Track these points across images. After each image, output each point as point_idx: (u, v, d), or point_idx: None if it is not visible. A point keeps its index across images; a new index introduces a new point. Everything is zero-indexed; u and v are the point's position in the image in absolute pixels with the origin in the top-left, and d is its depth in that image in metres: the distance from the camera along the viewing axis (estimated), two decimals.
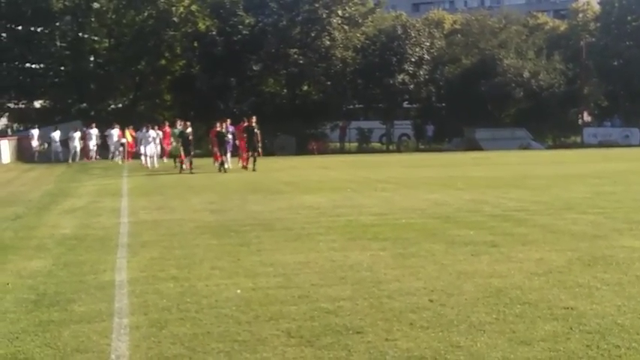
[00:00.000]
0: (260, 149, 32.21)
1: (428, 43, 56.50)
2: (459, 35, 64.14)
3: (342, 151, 54.60)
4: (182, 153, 32.01)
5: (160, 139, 39.10)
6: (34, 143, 44.32)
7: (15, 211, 17.75)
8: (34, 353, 6.70)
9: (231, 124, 33.67)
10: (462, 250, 11.39)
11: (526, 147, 53.23)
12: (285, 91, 56.98)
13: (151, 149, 36.36)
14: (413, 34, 55.64)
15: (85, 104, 51.71)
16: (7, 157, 42.11)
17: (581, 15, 73.85)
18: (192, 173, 30.16)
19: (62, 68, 52.56)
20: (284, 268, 10.17)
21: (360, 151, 54.37)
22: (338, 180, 25.89)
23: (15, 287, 9.34)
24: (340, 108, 56.50)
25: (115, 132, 42.04)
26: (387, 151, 55.28)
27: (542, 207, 16.96)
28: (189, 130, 32.52)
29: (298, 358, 6.43)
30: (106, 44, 54.17)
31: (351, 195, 20.68)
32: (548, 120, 58.13)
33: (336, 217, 15.73)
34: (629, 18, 65.35)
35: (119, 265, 10.64)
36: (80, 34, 52.35)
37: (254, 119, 32.12)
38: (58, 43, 51.95)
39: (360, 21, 55.84)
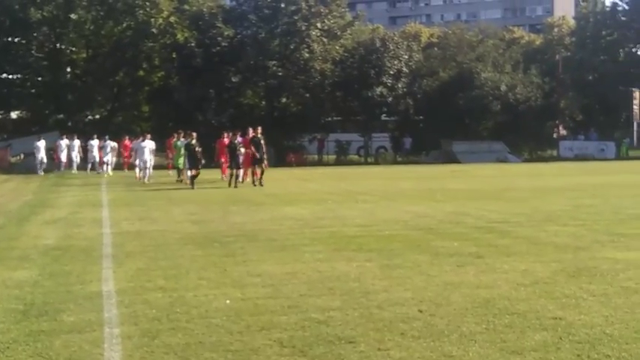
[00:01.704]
0: (266, 161, 30.12)
1: (406, 56, 56.71)
2: (436, 48, 64.48)
3: (320, 163, 54.58)
4: (184, 166, 30.41)
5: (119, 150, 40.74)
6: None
7: None
8: None
9: (241, 135, 30.86)
10: (448, 261, 11.46)
11: (503, 160, 53.51)
12: (263, 102, 56.96)
13: (145, 160, 33.03)
14: (391, 47, 55.83)
15: (62, 115, 51.47)
16: None
17: (556, 29, 74.76)
18: (192, 188, 27.56)
19: (39, 79, 52.31)
20: (271, 279, 10.19)
21: (338, 163, 54.38)
22: (318, 192, 25.97)
23: (1, 297, 9.28)
24: (318, 120, 56.51)
25: (95, 143, 41.45)
26: (365, 163, 55.33)
27: (524, 219, 17.09)
28: (194, 141, 29.17)
29: None
30: (84, 55, 53.96)
31: (332, 207, 20.74)
32: (524, 133, 58.48)
33: (320, 229, 15.78)
34: (603, 33, 66.14)
35: (105, 276, 10.60)
36: (58, 44, 52.11)
37: (259, 130, 30.07)
38: (36, 54, 51.74)
39: (338, 34, 55.96)
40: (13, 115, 54.88)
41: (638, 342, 7.02)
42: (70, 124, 49.67)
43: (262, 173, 29.07)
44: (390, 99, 55.40)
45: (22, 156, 45.05)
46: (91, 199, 24.49)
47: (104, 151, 39.74)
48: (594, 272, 10.37)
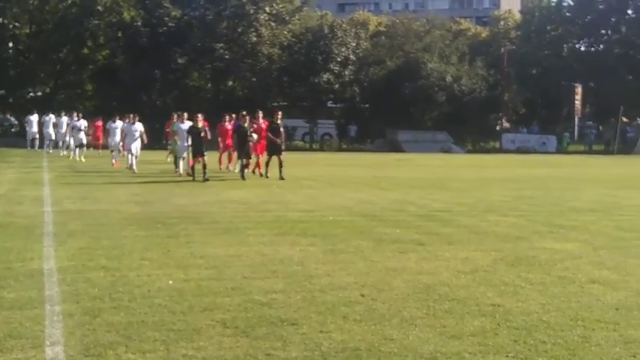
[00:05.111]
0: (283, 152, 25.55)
1: (354, 44, 56.92)
2: (383, 37, 64.68)
3: None
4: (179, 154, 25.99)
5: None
6: None
7: None
8: None
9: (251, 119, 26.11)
10: (390, 247, 11.58)
11: (447, 150, 54.06)
12: (209, 85, 56.74)
13: (136, 146, 27.80)
14: (339, 34, 55.99)
15: (2, 91, 50.56)
16: None
17: (502, 23, 75.60)
18: (206, 180, 23.02)
19: None
20: (215, 261, 10.19)
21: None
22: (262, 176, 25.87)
23: None
24: (265, 105, 56.28)
25: (65, 120, 37.22)
26: (310, 149, 55.42)
27: (466, 209, 17.31)
28: (200, 124, 24.17)
29: (234, 347, 6.47)
30: (27, 30, 53.07)
31: (277, 191, 20.76)
32: (468, 125, 59.07)
33: (264, 212, 15.81)
34: (548, 27, 67.02)
35: (47, 254, 10.50)
36: (0, 19, 51.07)
37: (279, 114, 26.18)
38: None
39: (287, 18, 55.93)
40: None
41: (573, 329, 7.19)
42: (10, 100, 48.86)
43: (282, 165, 24.62)
44: (336, 86, 55.59)
45: None
46: (32, 177, 24.13)
47: (75, 130, 34.20)
48: (533, 262, 10.57)
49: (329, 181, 25.04)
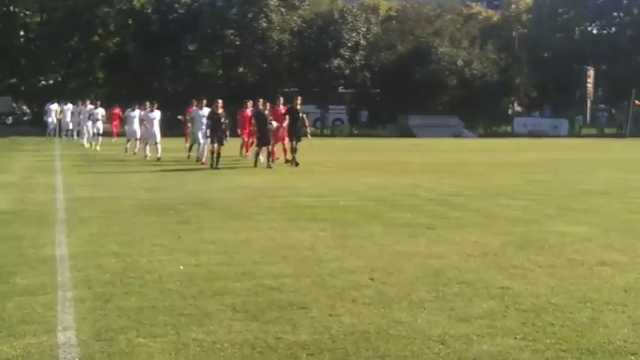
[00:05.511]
0: (310, 136, 25.80)
1: (364, 29, 56.78)
2: (394, 22, 64.49)
3: None
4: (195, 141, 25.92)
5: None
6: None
7: None
8: None
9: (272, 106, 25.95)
10: (400, 231, 11.60)
11: (458, 135, 54.00)
12: (220, 72, 56.70)
13: (156, 134, 27.52)
14: (349, 19, 55.85)
15: (14, 79, 50.74)
16: None
17: (514, 6, 75.01)
18: (217, 168, 23.00)
19: None
20: (225, 246, 10.24)
21: None
22: (272, 161, 25.87)
23: None
24: (275, 91, 56.28)
25: (88, 109, 35.55)
26: (321, 135, 55.41)
27: (476, 192, 17.32)
28: (220, 110, 23.92)
29: (244, 331, 6.51)
30: (38, 19, 53.18)
31: (287, 177, 20.83)
32: (480, 109, 58.99)
33: (274, 198, 15.86)
34: (560, 10, 66.72)
35: (59, 240, 10.58)
36: (11, 7, 51.29)
37: (299, 100, 25.88)
38: None
39: (297, 4, 55.83)
40: None
41: (582, 311, 7.21)
42: (22, 88, 49.06)
43: (295, 150, 24.54)
44: (347, 71, 55.52)
45: None
46: (44, 165, 24.28)
47: (93, 118, 34.11)
48: (542, 244, 10.58)
49: (340, 166, 25.08)
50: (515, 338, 6.39)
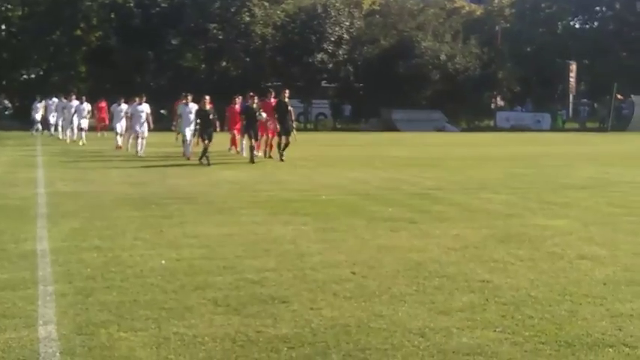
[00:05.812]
0: (295, 131, 25.46)
1: (347, 23, 56.72)
2: (377, 16, 64.45)
3: None
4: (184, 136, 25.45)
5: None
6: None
7: None
8: None
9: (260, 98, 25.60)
10: (382, 225, 11.65)
11: (441, 129, 54.12)
12: (203, 66, 56.54)
13: (143, 129, 27.01)
14: (333, 13, 55.76)
15: None
16: None
17: (496, 1, 75.21)
18: (208, 164, 22.43)
19: None
20: (207, 240, 10.25)
21: None
22: (256, 156, 25.85)
23: None
24: (258, 85, 56.24)
25: (73, 104, 35.35)
26: (305, 129, 55.35)
27: (458, 186, 17.40)
28: (208, 106, 23.75)
29: (226, 325, 6.53)
30: (20, 13, 52.85)
31: (270, 171, 20.85)
32: (463, 103, 59.09)
33: (257, 192, 15.89)
34: (542, 5, 67.01)
35: (40, 235, 10.56)
36: None
37: (287, 93, 25.43)
38: None
39: None
40: None
41: (561, 304, 7.27)
42: (4, 82, 48.78)
43: (287, 145, 24.51)
44: (330, 65, 55.46)
45: None
46: (26, 160, 24.18)
47: (79, 114, 34.08)
48: (523, 238, 10.65)
49: (323, 160, 25.12)
50: (495, 331, 6.44)
